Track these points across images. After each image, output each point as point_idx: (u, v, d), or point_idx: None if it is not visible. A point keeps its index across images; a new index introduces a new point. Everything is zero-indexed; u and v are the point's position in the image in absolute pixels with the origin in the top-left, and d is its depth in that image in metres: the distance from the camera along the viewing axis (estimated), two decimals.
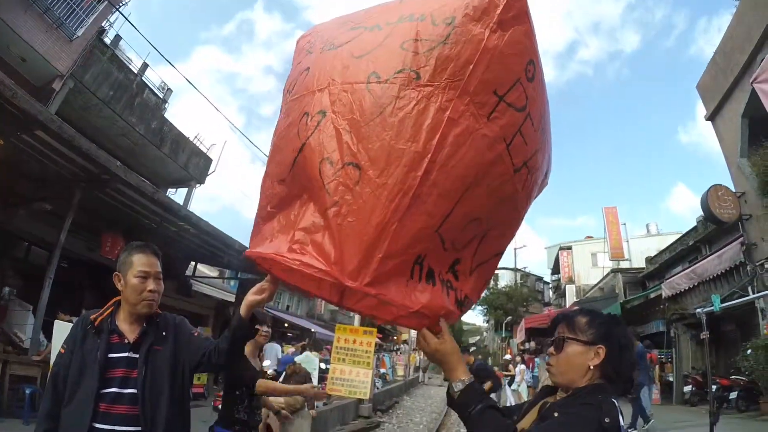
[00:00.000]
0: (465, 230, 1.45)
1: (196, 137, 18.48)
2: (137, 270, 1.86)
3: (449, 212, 1.34)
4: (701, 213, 11.14)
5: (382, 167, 1.28)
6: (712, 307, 8.22)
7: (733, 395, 9.76)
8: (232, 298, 16.40)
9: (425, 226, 1.32)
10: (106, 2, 13.26)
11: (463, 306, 1.57)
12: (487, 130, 1.32)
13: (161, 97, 17.07)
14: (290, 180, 1.55)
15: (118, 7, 14.17)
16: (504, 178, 1.43)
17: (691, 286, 11.84)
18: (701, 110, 11.89)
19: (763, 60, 8.02)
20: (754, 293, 8.35)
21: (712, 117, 11.27)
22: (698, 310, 8.54)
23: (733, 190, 10.04)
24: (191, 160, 17.70)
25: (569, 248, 35.08)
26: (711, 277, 10.80)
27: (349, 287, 1.30)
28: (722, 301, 8.02)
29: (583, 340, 1.28)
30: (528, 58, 1.39)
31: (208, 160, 18.80)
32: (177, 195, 18.63)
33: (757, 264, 8.64)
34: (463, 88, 1.28)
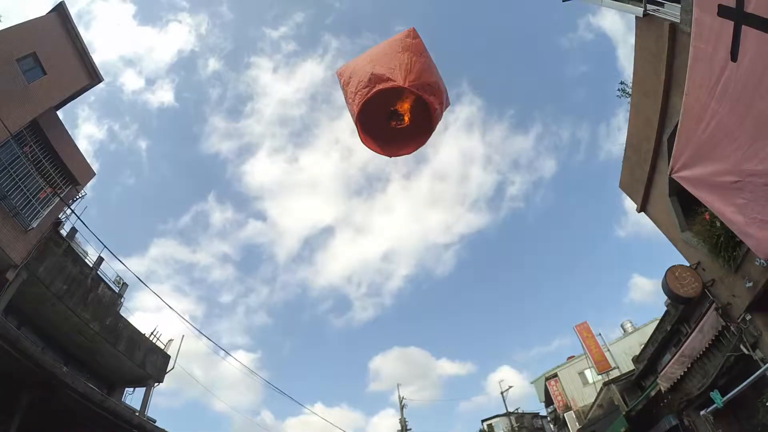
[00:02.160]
0: None
1: (152, 333, 17.79)
2: None
3: None
4: (666, 298, 11.44)
5: None
6: (715, 406, 8.06)
7: None
8: None
9: None
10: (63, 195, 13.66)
11: None
12: None
13: (116, 291, 16.72)
14: None
15: (69, 204, 14.58)
16: None
17: (686, 369, 11.58)
18: (630, 205, 12.97)
19: (666, 141, 9.21)
20: (746, 350, 8.31)
21: (643, 208, 12.19)
22: (702, 413, 8.25)
23: (688, 265, 10.52)
24: (148, 357, 16.76)
25: (555, 376, 33.98)
26: (701, 352, 10.69)
27: None
28: (723, 388, 7.90)
29: None
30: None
31: (166, 357, 17.92)
32: (135, 395, 17.27)
33: (738, 321, 8.74)
34: None
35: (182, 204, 78.99)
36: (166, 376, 17.42)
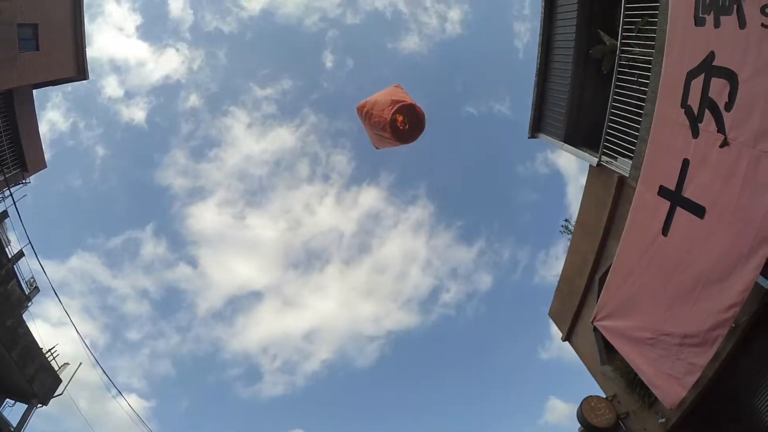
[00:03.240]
0: None
1: (50, 350, 16.22)
2: None
3: None
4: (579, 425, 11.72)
5: None
6: None
7: None
8: None
9: None
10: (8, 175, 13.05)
11: None
12: None
13: (26, 293, 15.52)
14: None
15: (10, 186, 13.89)
16: None
17: None
18: (556, 331, 13.39)
19: (598, 280, 9.91)
20: None
21: (567, 337, 12.60)
22: None
23: (604, 396, 10.92)
24: (38, 375, 15.12)
25: None
26: None
27: None
28: None
29: None
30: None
31: (57, 380, 16.23)
32: (14, 409, 15.54)
33: None
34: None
35: (119, 224, 74.35)
36: (52, 400, 15.83)
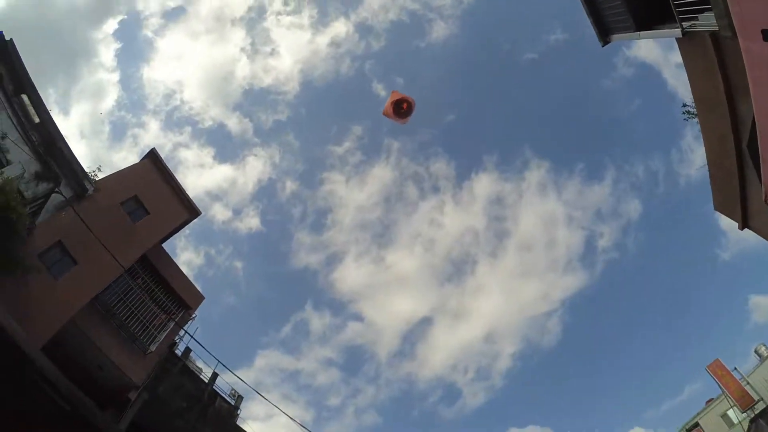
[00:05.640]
0: None
1: None
2: None
3: None
4: None
5: None
6: None
7: None
8: None
9: None
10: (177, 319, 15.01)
11: None
12: None
13: (233, 404, 17.47)
14: None
15: (185, 327, 15.87)
16: None
17: None
18: (728, 223, 12.12)
19: (746, 148, 8.96)
20: None
21: (745, 224, 11.23)
22: None
23: None
24: None
25: (696, 425, 30.51)
26: None
27: None
28: None
29: None
30: None
31: None
32: None
33: None
34: None
35: (281, 315, 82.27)
36: None
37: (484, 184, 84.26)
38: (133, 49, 74.37)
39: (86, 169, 13.76)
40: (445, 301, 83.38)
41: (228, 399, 16.55)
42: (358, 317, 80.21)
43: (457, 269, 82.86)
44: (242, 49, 78.32)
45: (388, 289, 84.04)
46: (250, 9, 77.11)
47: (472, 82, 76.01)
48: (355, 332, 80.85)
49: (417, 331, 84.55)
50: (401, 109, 10.34)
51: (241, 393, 17.12)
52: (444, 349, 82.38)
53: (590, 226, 78.77)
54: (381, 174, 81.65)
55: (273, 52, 77.65)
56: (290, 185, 78.51)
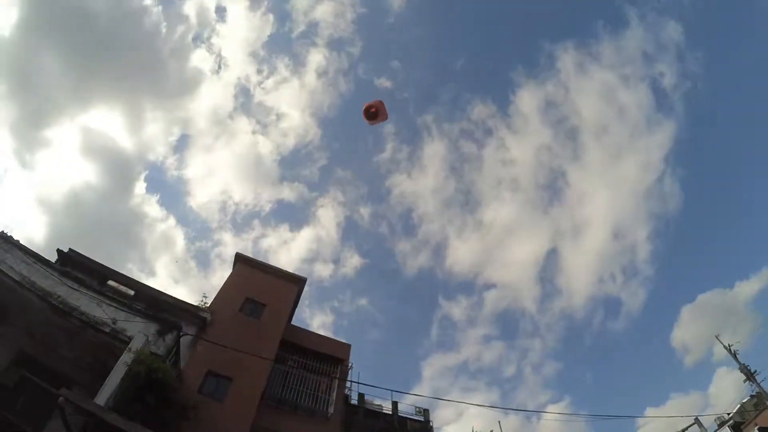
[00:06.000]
0: None
1: None
2: None
3: None
4: None
5: None
6: None
7: None
8: None
9: None
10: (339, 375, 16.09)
11: None
12: None
13: (422, 420, 18.19)
14: None
15: (348, 378, 16.86)
16: None
17: None
18: None
19: None
20: None
21: None
22: None
23: None
24: None
25: None
26: None
27: None
28: None
29: None
30: None
31: None
32: None
33: None
34: None
35: (424, 322, 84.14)
36: None
37: (527, 100, 78.86)
38: (170, 191, 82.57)
39: (196, 303, 15.42)
40: (557, 225, 78.86)
41: (416, 418, 17.29)
42: (490, 285, 78.73)
43: (551, 190, 78.04)
44: (253, 132, 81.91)
45: (501, 245, 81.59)
46: (235, 96, 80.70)
47: (457, 18, 72.11)
48: (494, 300, 79.52)
49: (548, 267, 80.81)
50: (373, 113, 11.13)
51: (425, 407, 17.78)
52: (582, 269, 77.69)
53: (646, 72, 69.39)
54: (433, 151, 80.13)
55: (278, 116, 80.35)
56: (364, 211, 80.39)
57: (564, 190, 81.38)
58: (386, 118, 11.21)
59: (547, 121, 76.87)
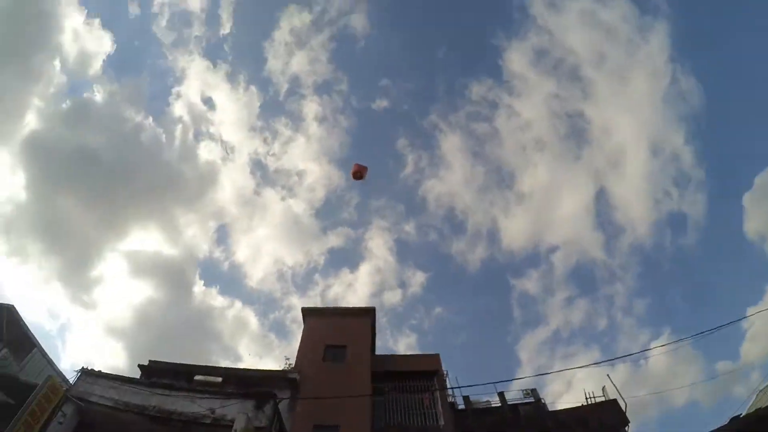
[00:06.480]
0: None
1: None
2: None
3: None
4: None
5: None
6: None
7: None
8: None
9: None
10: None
11: None
12: None
13: (531, 399, 17.94)
14: None
15: (447, 387, 16.94)
16: None
17: None
18: None
19: None
20: None
21: None
22: None
23: None
24: None
25: None
26: None
27: None
28: None
29: None
30: None
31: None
32: None
33: None
34: None
35: (504, 309, 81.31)
36: None
37: (516, 59, 76.60)
38: (227, 280, 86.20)
39: (281, 368, 16.19)
40: (595, 166, 75.03)
41: (526, 400, 17.07)
42: (553, 248, 75.46)
43: (575, 135, 74.63)
44: (282, 198, 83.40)
45: (549, 207, 78.29)
46: (252, 173, 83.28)
47: (420, 12, 72.52)
48: (561, 261, 76.02)
49: (602, 210, 76.86)
50: (359, 176, 14.97)
51: (532, 388, 17.53)
52: (634, 198, 73.16)
53: None
54: (450, 145, 79.12)
55: (299, 175, 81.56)
56: (408, 227, 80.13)
57: (587, 130, 77.87)
58: (366, 170, 14.81)
59: (543, 71, 74.28)
